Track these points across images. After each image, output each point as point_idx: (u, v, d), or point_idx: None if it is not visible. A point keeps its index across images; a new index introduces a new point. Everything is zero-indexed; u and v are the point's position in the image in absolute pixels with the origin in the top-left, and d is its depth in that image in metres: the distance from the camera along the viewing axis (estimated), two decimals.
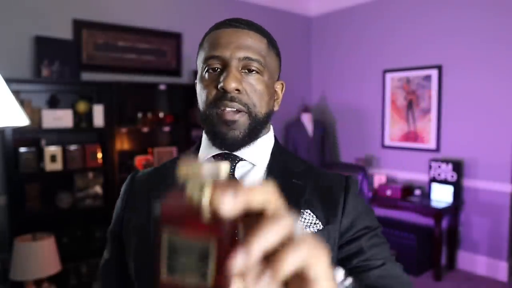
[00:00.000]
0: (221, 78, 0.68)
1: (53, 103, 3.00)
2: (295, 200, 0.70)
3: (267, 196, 0.30)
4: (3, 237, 2.83)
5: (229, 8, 4.11)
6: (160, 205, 0.28)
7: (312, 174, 0.75)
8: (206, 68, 0.71)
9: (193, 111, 3.57)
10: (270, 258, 0.28)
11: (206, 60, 0.70)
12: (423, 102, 3.91)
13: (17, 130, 2.69)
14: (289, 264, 0.28)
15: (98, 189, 3.08)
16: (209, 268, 0.27)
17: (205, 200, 0.28)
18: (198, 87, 0.73)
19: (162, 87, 3.38)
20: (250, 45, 0.70)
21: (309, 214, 0.69)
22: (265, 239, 0.28)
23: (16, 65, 2.94)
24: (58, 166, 2.88)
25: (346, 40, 4.57)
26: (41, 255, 2.24)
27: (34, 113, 2.81)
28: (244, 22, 0.73)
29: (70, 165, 2.93)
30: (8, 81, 2.32)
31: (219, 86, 0.68)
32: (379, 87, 4.27)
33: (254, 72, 0.70)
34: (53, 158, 2.86)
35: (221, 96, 0.68)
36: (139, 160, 3.35)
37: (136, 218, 0.73)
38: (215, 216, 0.27)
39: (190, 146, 3.55)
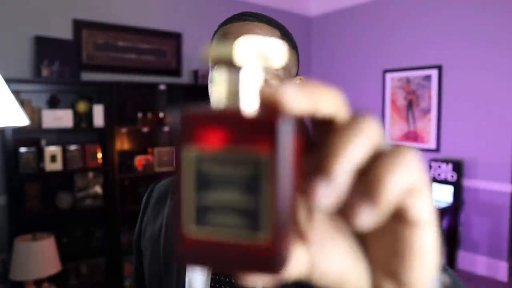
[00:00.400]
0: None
1: (53, 103, 3.00)
2: None
3: (338, 101, 0.21)
4: (3, 237, 2.83)
5: (229, 8, 4.11)
6: (179, 114, 0.19)
7: None
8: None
9: None
10: (360, 184, 0.19)
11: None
12: (423, 102, 3.91)
13: (17, 130, 2.69)
14: (393, 189, 0.19)
15: (98, 189, 3.08)
16: (262, 204, 0.18)
17: (253, 95, 0.19)
18: (210, 86, 0.70)
19: (162, 87, 3.38)
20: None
21: None
22: (352, 153, 0.19)
23: (16, 65, 2.94)
24: (58, 166, 2.88)
25: (346, 40, 4.57)
26: (41, 255, 2.24)
27: (34, 113, 2.81)
28: (254, 14, 0.69)
29: (70, 165, 2.93)
30: (8, 81, 2.32)
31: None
32: (379, 87, 4.27)
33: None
34: (53, 158, 2.86)
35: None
36: (139, 160, 3.35)
37: (150, 229, 0.73)
38: (272, 118, 0.18)
39: None
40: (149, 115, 3.39)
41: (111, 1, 3.41)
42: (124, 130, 3.32)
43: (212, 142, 0.18)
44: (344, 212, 0.21)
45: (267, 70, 0.61)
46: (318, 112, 0.20)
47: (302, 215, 0.23)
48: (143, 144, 3.51)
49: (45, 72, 2.92)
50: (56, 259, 2.35)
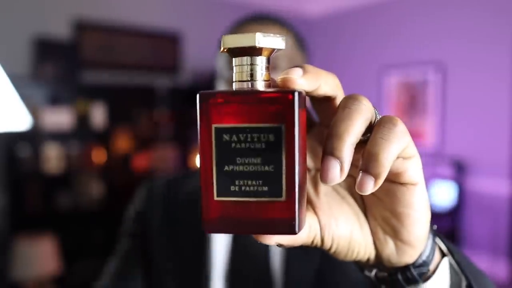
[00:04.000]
0: None
1: (53, 103, 3.00)
2: None
3: (336, 82, 0.26)
4: (3, 237, 2.83)
5: (229, 8, 4.11)
6: (201, 96, 0.22)
7: None
8: (230, 67, 0.64)
9: (193, 111, 3.57)
10: (362, 151, 0.23)
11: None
12: (423, 100, 3.91)
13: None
14: (390, 158, 0.22)
15: (98, 189, 3.08)
16: (282, 168, 0.21)
17: (267, 77, 0.23)
18: (221, 87, 0.69)
19: (162, 87, 3.38)
20: (288, 51, 0.65)
21: None
22: (354, 132, 0.22)
23: (16, 65, 2.94)
24: (58, 166, 2.88)
25: (346, 39, 4.57)
26: (41, 255, 2.24)
27: (33, 113, 2.81)
28: (269, 16, 0.69)
29: (70, 165, 2.93)
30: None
31: None
32: (379, 85, 4.28)
33: (281, 71, 0.64)
34: (52, 158, 2.86)
35: None
36: (139, 160, 3.35)
37: (175, 239, 0.68)
38: (288, 93, 0.21)
39: (190, 146, 3.51)
40: (149, 115, 3.39)
41: (111, 1, 3.41)
42: (124, 130, 3.32)
43: (238, 118, 0.21)
44: (347, 181, 0.24)
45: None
46: (320, 90, 0.24)
47: (309, 187, 0.27)
48: (143, 144, 3.51)
49: (45, 72, 2.92)
50: (56, 259, 2.35)
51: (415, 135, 3.99)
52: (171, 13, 3.75)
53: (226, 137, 0.21)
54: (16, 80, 2.74)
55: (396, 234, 0.27)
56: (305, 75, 0.23)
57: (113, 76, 3.40)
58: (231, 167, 0.21)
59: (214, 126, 0.21)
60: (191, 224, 0.67)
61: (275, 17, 0.70)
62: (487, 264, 3.53)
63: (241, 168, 0.21)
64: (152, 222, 0.71)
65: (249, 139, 0.21)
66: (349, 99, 0.24)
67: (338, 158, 0.21)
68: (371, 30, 4.32)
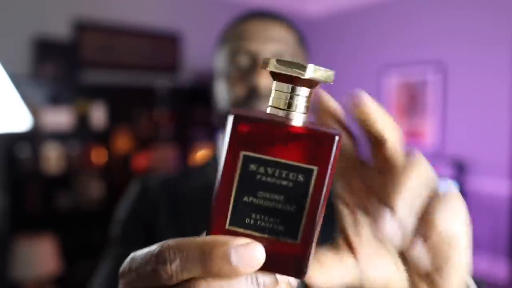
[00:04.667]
0: (253, 75, 0.61)
1: (53, 103, 3.00)
2: None
3: (391, 122, 0.24)
4: (3, 237, 2.83)
5: (229, 8, 4.11)
6: (237, 117, 0.20)
7: None
8: (231, 64, 0.63)
9: (193, 110, 3.57)
10: (417, 221, 0.23)
11: (233, 54, 0.63)
12: (423, 100, 3.91)
13: None
14: (444, 234, 0.23)
15: (98, 189, 3.08)
16: (305, 211, 0.20)
17: (304, 107, 0.21)
18: (221, 84, 0.66)
19: (162, 87, 3.38)
20: (280, 38, 0.64)
21: None
22: (414, 192, 0.22)
23: (16, 65, 2.94)
24: (58, 166, 2.88)
25: (346, 39, 4.57)
26: (41, 255, 2.24)
27: (33, 113, 2.81)
28: (271, 14, 0.68)
29: (70, 165, 2.94)
30: None
31: (250, 84, 0.61)
32: (379, 85, 4.28)
33: None
34: (53, 158, 2.86)
35: (253, 95, 0.61)
36: (139, 160, 3.35)
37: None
38: (325, 135, 0.20)
39: (190, 146, 3.51)
40: (149, 115, 3.39)
41: (111, 1, 3.41)
42: (124, 130, 3.32)
43: (271, 149, 0.20)
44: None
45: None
46: (373, 126, 0.23)
47: (351, 230, 0.27)
48: (143, 144, 3.51)
49: (45, 72, 2.93)
50: (56, 259, 2.35)
51: (415, 135, 3.99)
52: (171, 13, 3.75)
53: (253, 167, 0.20)
54: (16, 80, 2.74)
55: (432, 282, 0.27)
56: (359, 105, 0.22)
57: (113, 76, 3.40)
58: (251, 198, 0.20)
59: (242, 153, 0.20)
60: (198, 221, 0.65)
61: (277, 14, 0.69)
62: (487, 264, 3.53)
63: (261, 202, 0.20)
64: (156, 220, 0.68)
65: (276, 174, 0.20)
66: (411, 157, 0.24)
67: (395, 212, 0.21)
68: (371, 30, 4.32)
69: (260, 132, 0.20)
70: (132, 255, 0.22)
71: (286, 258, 0.21)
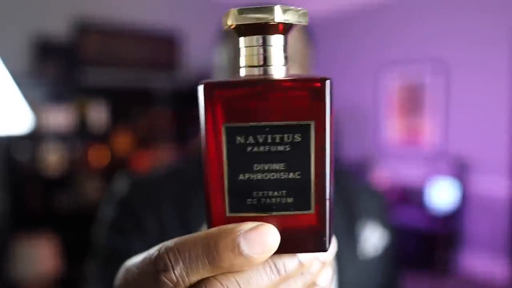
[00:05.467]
0: None
1: (52, 103, 3.00)
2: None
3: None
4: (3, 237, 2.82)
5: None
6: (206, 87, 0.17)
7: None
8: (235, 63, 0.60)
9: (193, 110, 3.57)
10: None
11: (236, 53, 0.59)
12: (423, 100, 3.91)
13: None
14: None
15: (97, 189, 3.08)
16: (311, 175, 0.17)
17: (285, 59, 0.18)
18: (223, 61, 0.63)
19: (162, 87, 3.38)
20: (293, 44, 0.59)
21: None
22: None
23: (15, 65, 2.94)
24: (58, 166, 2.88)
25: (346, 39, 4.57)
26: (41, 255, 2.24)
27: (34, 113, 2.81)
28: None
29: (70, 165, 2.93)
30: None
31: None
32: (379, 85, 4.28)
33: (293, 66, 0.58)
34: (52, 159, 2.86)
35: None
36: (139, 160, 3.35)
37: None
38: (313, 82, 0.17)
39: (190, 146, 3.50)
40: (149, 115, 3.39)
41: (111, 1, 3.41)
42: (124, 130, 3.32)
43: (255, 114, 0.16)
44: None
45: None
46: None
47: None
48: (143, 144, 3.51)
49: (44, 72, 2.92)
50: (56, 259, 2.35)
51: (415, 135, 3.99)
52: (171, 13, 3.75)
53: (240, 138, 0.17)
54: (17, 80, 2.74)
55: None
56: None
57: (113, 76, 3.40)
58: (247, 175, 0.17)
59: (225, 125, 0.17)
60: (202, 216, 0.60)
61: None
62: (487, 264, 3.53)
63: (259, 176, 0.17)
64: (161, 219, 0.61)
65: (269, 141, 0.17)
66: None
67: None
68: (372, 30, 4.33)
69: (239, 97, 0.16)
70: (125, 265, 0.20)
71: (303, 233, 0.17)
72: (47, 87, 2.97)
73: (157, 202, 0.62)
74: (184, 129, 3.57)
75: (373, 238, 0.64)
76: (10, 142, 2.72)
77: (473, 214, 3.63)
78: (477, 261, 3.60)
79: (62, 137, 3.08)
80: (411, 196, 3.80)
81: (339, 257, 0.57)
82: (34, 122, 2.77)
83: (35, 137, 2.97)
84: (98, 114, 3.03)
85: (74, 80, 3.07)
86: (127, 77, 3.48)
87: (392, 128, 4.18)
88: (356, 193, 0.68)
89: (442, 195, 3.65)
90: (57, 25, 3.13)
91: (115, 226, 0.62)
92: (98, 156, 3.06)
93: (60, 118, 2.88)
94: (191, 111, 3.57)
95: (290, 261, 0.17)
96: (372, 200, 0.70)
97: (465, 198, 3.67)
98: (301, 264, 0.18)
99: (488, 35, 3.45)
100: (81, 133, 3.16)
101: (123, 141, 3.41)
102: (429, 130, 3.88)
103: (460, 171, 3.61)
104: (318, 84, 0.16)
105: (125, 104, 3.38)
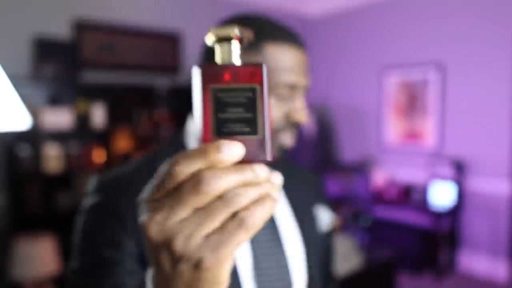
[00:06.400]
0: (293, 108, 0.65)
1: (52, 103, 3.00)
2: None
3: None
4: (3, 237, 2.83)
5: (229, 8, 4.11)
6: (201, 68, 0.30)
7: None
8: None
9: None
10: None
11: (278, 82, 0.63)
12: (423, 101, 3.91)
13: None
14: None
15: None
16: (257, 115, 0.29)
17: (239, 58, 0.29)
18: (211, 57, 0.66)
19: (162, 87, 3.38)
20: (309, 71, 0.70)
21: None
22: None
23: (15, 65, 2.94)
24: (58, 166, 2.88)
25: (346, 39, 4.57)
26: (41, 255, 2.24)
27: (33, 113, 2.81)
28: (302, 39, 0.72)
29: (70, 165, 2.93)
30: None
31: (293, 117, 0.65)
32: (380, 86, 4.28)
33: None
34: (53, 158, 2.86)
35: (288, 125, 0.65)
36: None
37: None
38: (258, 66, 0.30)
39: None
40: (149, 115, 3.39)
41: (111, 1, 3.41)
42: (124, 130, 3.32)
43: (226, 81, 0.30)
44: None
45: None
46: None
47: None
48: (143, 144, 3.51)
49: (44, 72, 2.92)
50: (56, 259, 2.35)
51: (415, 135, 3.99)
52: (171, 13, 3.75)
53: (219, 94, 0.30)
54: (16, 80, 2.75)
55: None
56: None
57: (113, 76, 3.40)
58: (223, 115, 0.29)
59: (211, 86, 0.29)
60: None
61: (300, 38, 0.70)
62: (487, 264, 3.53)
63: (229, 115, 0.29)
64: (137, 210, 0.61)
65: (236, 95, 0.30)
66: None
67: None
68: (372, 31, 4.33)
69: (220, 73, 0.30)
70: (141, 197, 0.29)
71: (255, 148, 0.29)
72: (47, 87, 2.97)
73: (132, 194, 0.63)
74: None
75: (324, 217, 0.81)
76: (11, 142, 2.72)
77: (473, 214, 3.63)
78: (476, 261, 3.60)
79: (62, 137, 3.08)
80: (412, 196, 3.80)
81: (306, 232, 0.74)
82: (33, 121, 2.77)
83: (35, 137, 2.97)
84: (98, 114, 3.03)
85: (74, 80, 3.07)
86: (126, 77, 3.48)
87: (393, 129, 4.18)
88: (307, 178, 0.84)
89: (442, 195, 3.65)
90: (57, 25, 3.14)
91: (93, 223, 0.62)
92: (98, 156, 3.06)
93: (60, 118, 2.88)
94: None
95: (260, 168, 0.28)
96: (318, 184, 0.86)
97: (465, 198, 3.67)
98: (267, 171, 0.29)
99: (488, 36, 3.45)
100: (81, 133, 3.16)
101: (123, 141, 3.41)
102: (430, 131, 3.88)
103: (460, 171, 3.61)
104: (259, 66, 0.30)
105: (125, 104, 3.38)
